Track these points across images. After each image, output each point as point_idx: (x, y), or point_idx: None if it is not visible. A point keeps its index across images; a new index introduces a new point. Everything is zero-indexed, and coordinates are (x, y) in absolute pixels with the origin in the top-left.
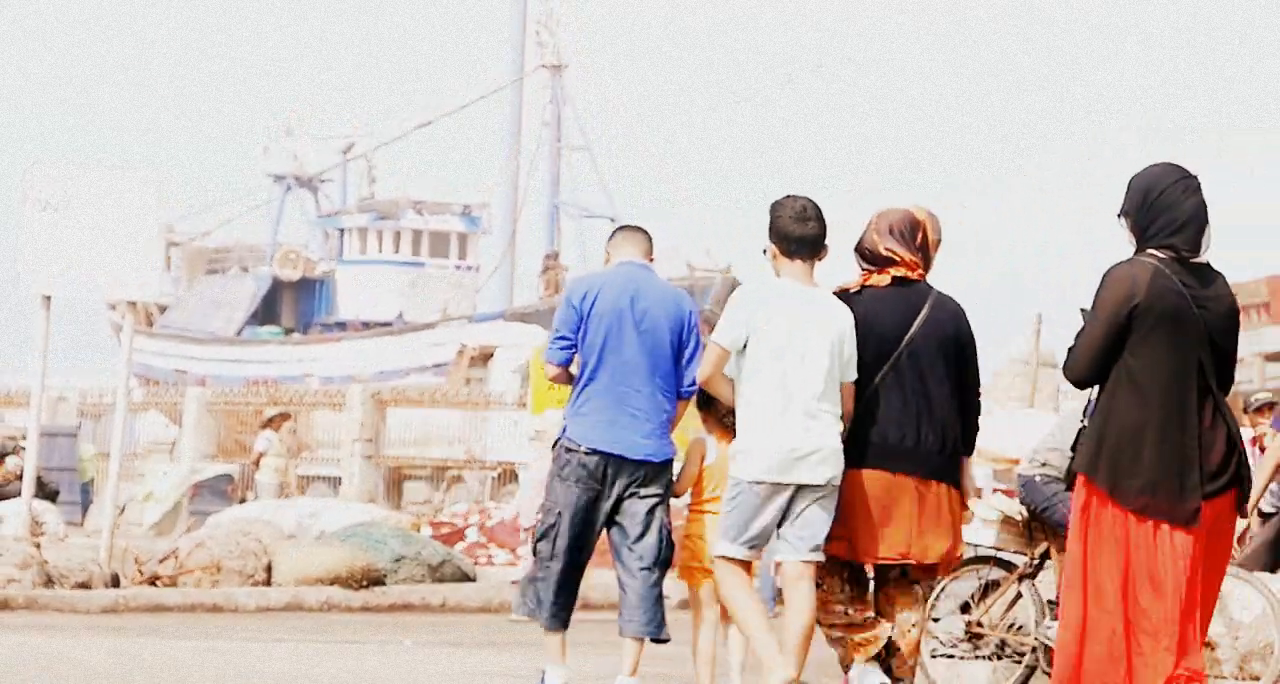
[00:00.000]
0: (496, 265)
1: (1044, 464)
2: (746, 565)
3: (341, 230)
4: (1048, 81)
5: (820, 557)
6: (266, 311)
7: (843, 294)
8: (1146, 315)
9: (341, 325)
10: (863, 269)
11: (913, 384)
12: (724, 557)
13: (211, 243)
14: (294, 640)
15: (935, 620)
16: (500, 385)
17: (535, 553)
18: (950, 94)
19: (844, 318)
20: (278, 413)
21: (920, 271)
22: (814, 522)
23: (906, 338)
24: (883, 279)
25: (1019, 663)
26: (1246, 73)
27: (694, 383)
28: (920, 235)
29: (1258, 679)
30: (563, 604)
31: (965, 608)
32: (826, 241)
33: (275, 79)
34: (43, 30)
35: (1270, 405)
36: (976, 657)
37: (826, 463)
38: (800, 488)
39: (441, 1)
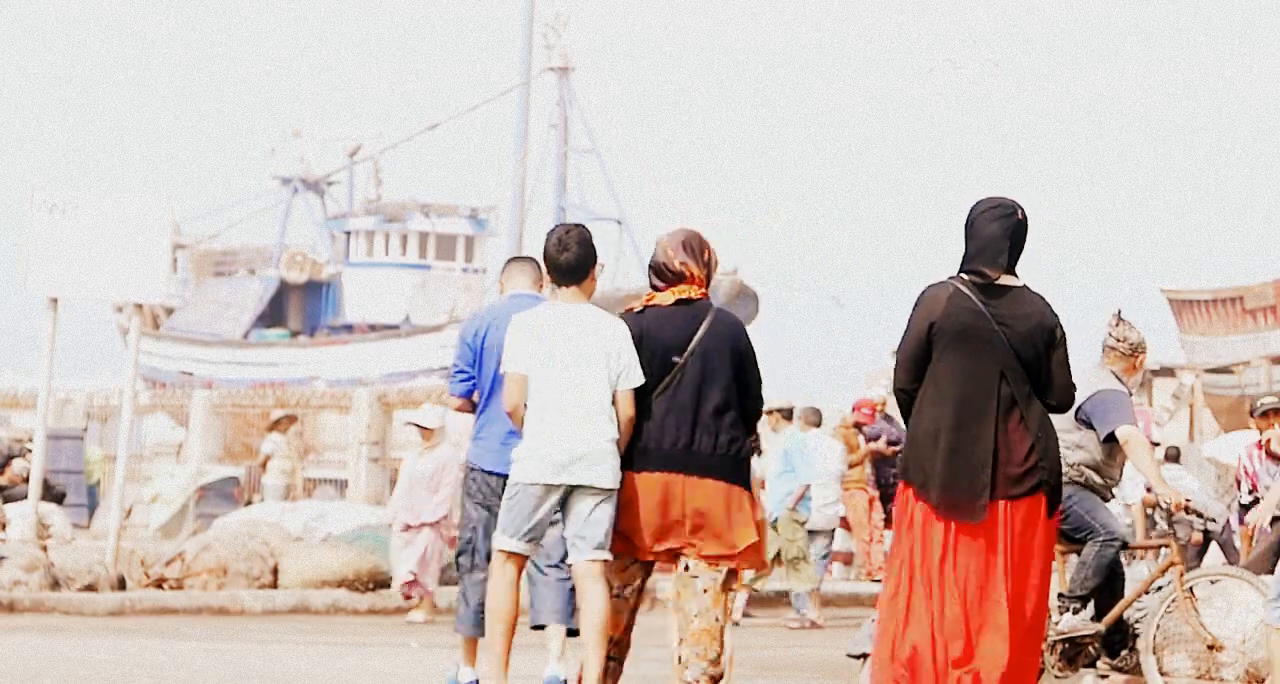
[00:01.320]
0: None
1: None
2: (520, 558)
3: (348, 233)
4: (1047, 81)
5: (605, 555)
6: (273, 314)
7: (627, 314)
8: (943, 332)
9: (348, 328)
10: (652, 286)
11: (692, 394)
12: (502, 550)
13: (218, 245)
14: (300, 643)
15: None
16: (774, 402)
17: (457, 567)
18: (951, 94)
19: (617, 332)
20: (284, 415)
21: (703, 290)
22: (594, 522)
23: (687, 351)
24: (666, 298)
25: None
26: (1246, 73)
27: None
28: (706, 253)
29: (1263, 682)
30: (480, 611)
31: None
32: (593, 264)
33: (282, 81)
34: (47, 31)
35: (1277, 410)
36: None
37: (599, 466)
38: (575, 489)
39: (449, 4)
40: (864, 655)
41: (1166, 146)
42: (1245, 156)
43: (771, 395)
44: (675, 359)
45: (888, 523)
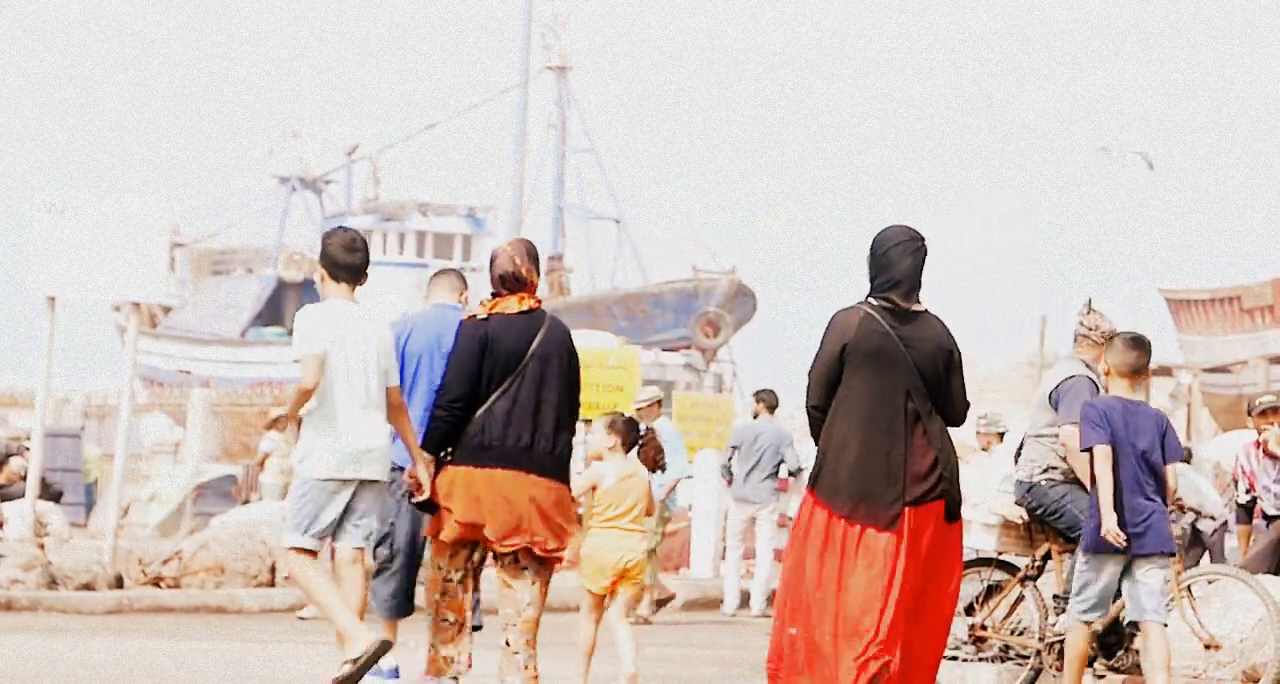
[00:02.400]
0: None
1: (1048, 468)
2: (313, 554)
3: None
4: (1047, 81)
5: (364, 543)
6: (271, 313)
7: (471, 320)
8: (854, 354)
9: None
10: (495, 293)
11: (530, 394)
12: (295, 547)
13: (216, 244)
14: (297, 642)
15: None
16: (650, 395)
17: (375, 556)
18: (951, 94)
19: (383, 332)
20: (282, 414)
21: (537, 299)
22: (371, 513)
23: (527, 356)
24: (511, 306)
25: (1024, 665)
26: (1246, 73)
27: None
28: (539, 261)
29: (1258, 681)
30: (400, 598)
31: (969, 611)
32: (367, 271)
33: (281, 81)
34: (46, 31)
35: (1275, 409)
36: (981, 659)
37: (379, 461)
38: (361, 483)
39: (448, 4)
40: None
41: (1166, 147)
42: (1245, 157)
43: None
44: (516, 364)
45: None
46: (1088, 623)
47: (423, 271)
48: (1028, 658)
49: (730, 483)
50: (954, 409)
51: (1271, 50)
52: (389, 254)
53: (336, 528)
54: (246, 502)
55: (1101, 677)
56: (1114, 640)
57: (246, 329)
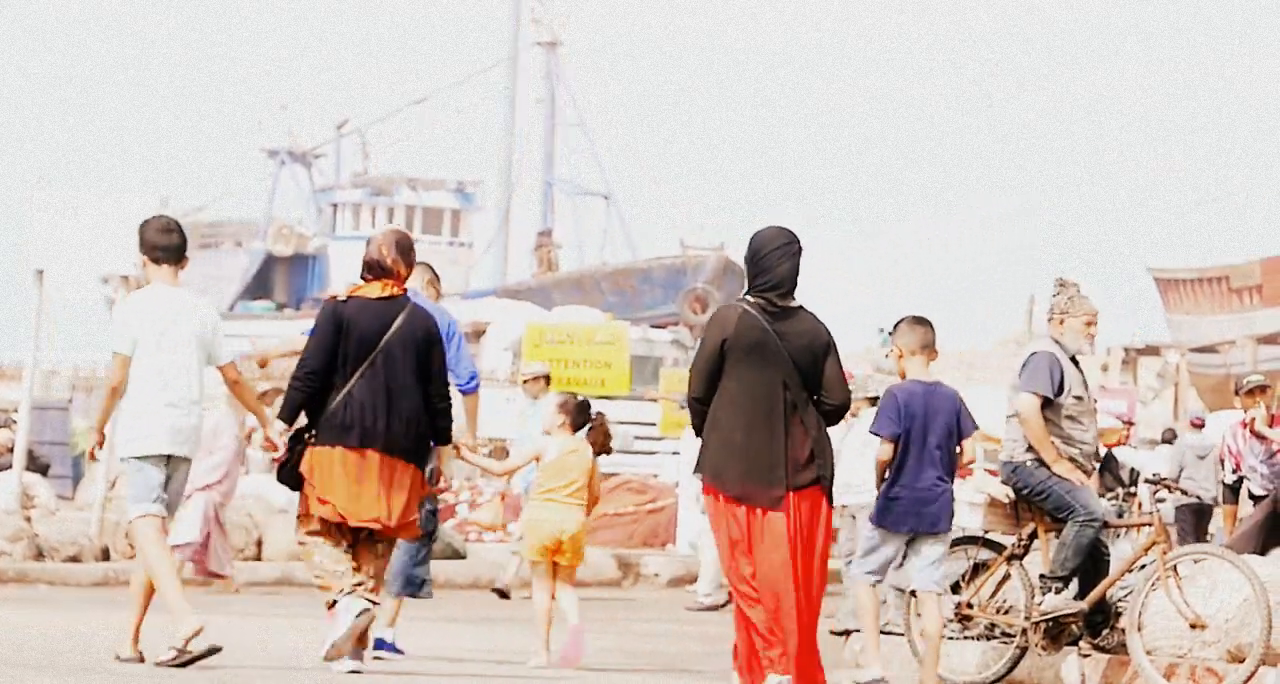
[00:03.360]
0: (490, 242)
1: (1030, 448)
2: (161, 520)
3: (335, 205)
4: (1047, 81)
5: (168, 515)
6: (259, 286)
7: (330, 302)
8: (735, 349)
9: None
10: (362, 277)
11: (386, 378)
12: (142, 515)
13: (205, 218)
14: (284, 616)
15: None
16: (492, 362)
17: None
18: (951, 94)
19: (206, 313)
20: (270, 388)
21: (404, 286)
22: (177, 490)
23: (383, 341)
24: (372, 291)
25: (1009, 643)
26: (1247, 73)
27: (472, 379)
28: (412, 254)
29: (1244, 661)
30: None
31: (955, 589)
32: (186, 252)
33: (270, 55)
34: (36, 4)
35: (1262, 388)
36: (966, 637)
37: (193, 439)
38: (177, 459)
39: None
40: (847, 632)
41: (1166, 146)
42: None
43: None
44: (372, 348)
45: None
46: (873, 584)
47: None
48: (1013, 636)
49: None
50: (833, 394)
51: (1272, 50)
52: (378, 228)
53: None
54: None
55: (1087, 655)
56: (1100, 620)
57: (235, 303)
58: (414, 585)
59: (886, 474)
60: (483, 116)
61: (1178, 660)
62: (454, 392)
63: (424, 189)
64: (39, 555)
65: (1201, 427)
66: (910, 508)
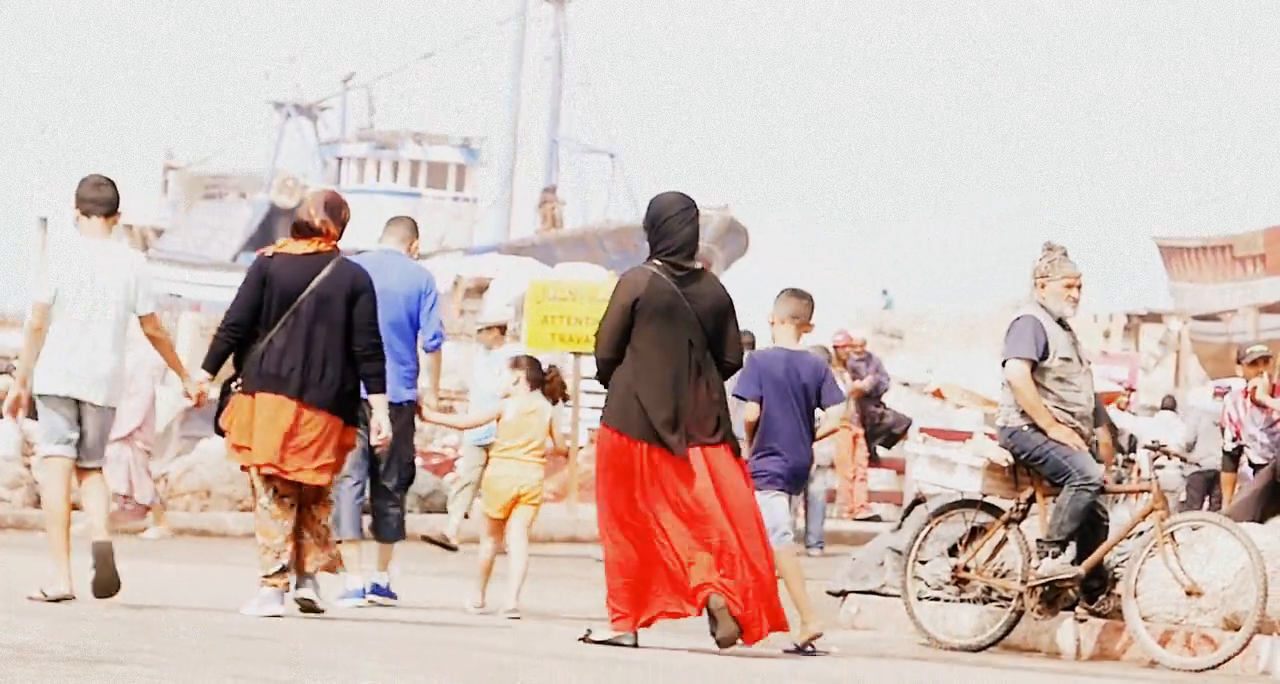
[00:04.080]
0: (495, 198)
1: (1025, 412)
2: (68, 462)
3: (340, 159)
4: (1047, 81)
5: (101, 462)
6: (263, 238)
7: (259, 257)
8: (645, 309)
9: None
10: (291, 235)
11: (307, 330)
12: (49, 455)
13: (210, 169)
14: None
15: (922, 563)
16: (494, 317)
17: (388, 484)
18: (951, 94)
19: (134, 263)
20: None
21: (334, 245)
22: (94, 436)
23: (306, 293)
24: (298, 248)
25: (1005, 607)
26: (1246, 73)
27: (435, 337)
28: (343, 212)
29: (1239, 629)
30: (354, 520)
31: (953, 551)
32: (119, 206)
33: (278, 7)
34: None
35: (1265, 359)
36: (963, 600)
37: (104, 386)
38: (87, 404)
39: None
40: (844, 593)
41: (1166, 147)
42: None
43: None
44: (293, 300)
45: (872, 462)
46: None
47: (416, 200)
48: (1009, 600)
49: None
50: (729, 352)
51: (1272, 50)
52: (383, 182)
53: (78, 447)
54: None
55: (1083, 620)
56: (1097, 585)
57: (238, 254)
58: (384, 529)
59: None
60: (490, 73)
61: (1173, 627)
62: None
63: (429, 144)
64: (38, 503)
65: (1224, 395)
66: (778, 468)
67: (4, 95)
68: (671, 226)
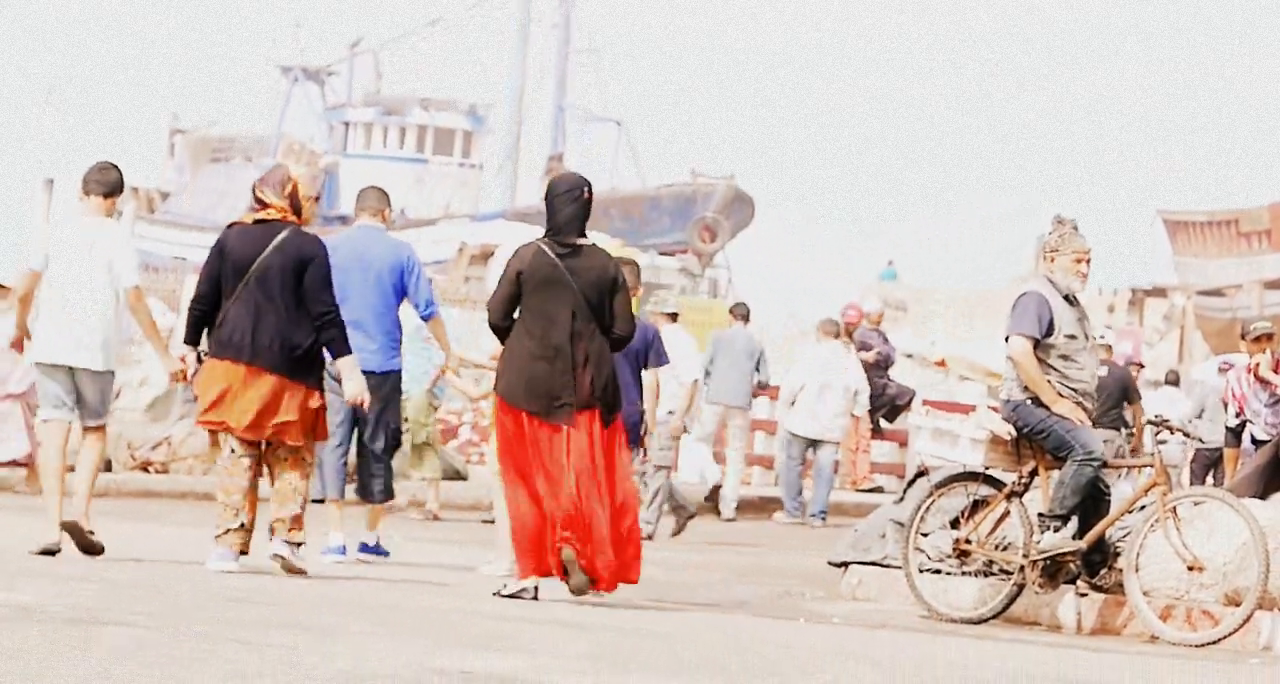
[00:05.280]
0: (500, 165)
1: (1027, 387)
2: (64, 425)
3: (347, 124)
4: (1047, 81)
5: (101, 421)
6: None
7: (229, 225)
8: (530, 281)
9: (343, 219)
10: (250, 208)
11: (259, 298)
12: (47, 419)
13: (216, 132)
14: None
15: (924, 536)
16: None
17: (374, 446)
18: (951, 94)
19: (117, 240)
20: None
21: (286, 215)
22: (93, 398)
23: (256, 263)
24: (248, 218)
25: (1006, 580)
26: (1246, 73)
27: (429, 306)
28: (289, 187)
29: (1240, 605)
30: (336, 481)
31: (954, 524)
32: (120, 190)
33: None
34: None
35: (1269, 336)
36: (964, 573)
37: (94, 352)
38: (80, 371)
39: None
40: (845, 564)
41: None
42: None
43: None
44: (245, 269)
45: (875, 433)
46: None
47: (423, 166)
48: (1011, 574)
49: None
50: (617, 324)
51: (1272, 50)
52: (389, 148)
53: (80, 408)
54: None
55: (1084, 594)
56: (1098, 559)
57: None
58: (371, 490)
59: None
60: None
61: (1174, 602)
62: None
63: (436, 110)
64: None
65: (1228, 371)
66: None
67: (11, 58)
68: (558, 204)
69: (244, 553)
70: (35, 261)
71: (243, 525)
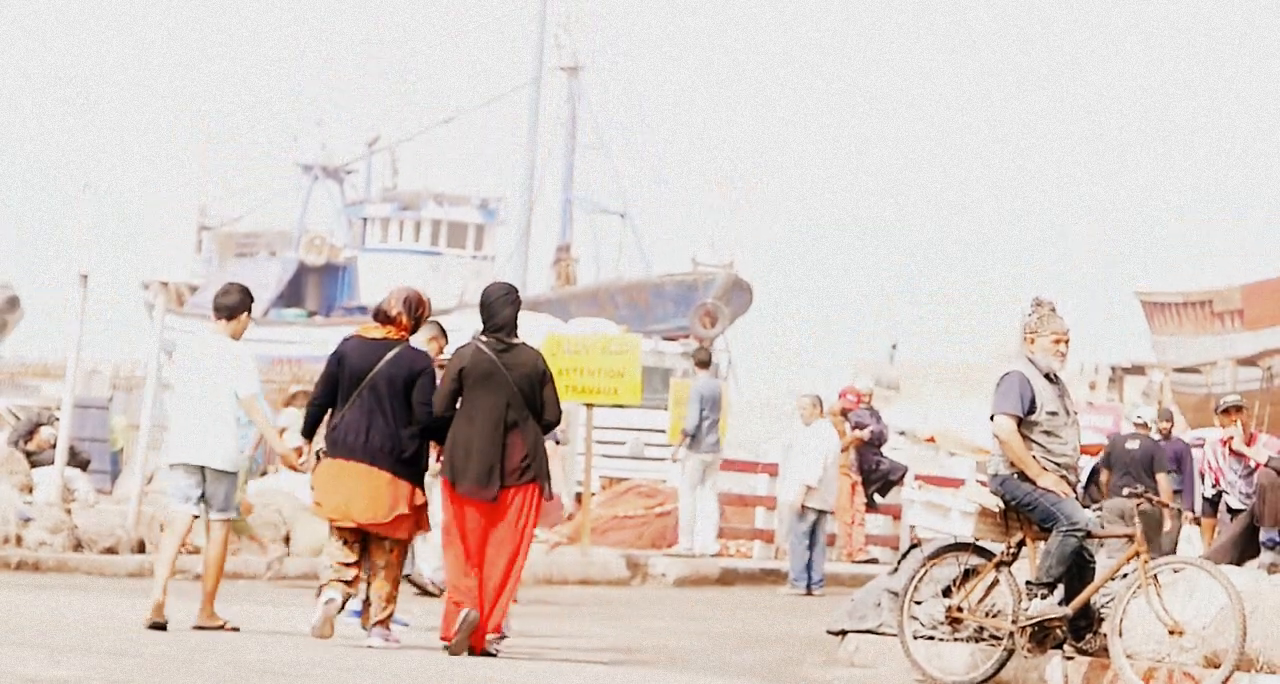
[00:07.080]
0: (510, 256)
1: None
2: (191, 517)
3: (365, 219)
4: (1047, 81)
5: (228, 515)
6: (292, 294)
7: (346, 338)
8: (469, 376)
9: (362, 309)
10: (374, 319)
11: (371, 404)
12: (175, 511)
13: (241, 228)
14: (306, 606)
15: (918, 604)
16: None
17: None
18: (951, 94)
19: (240, 357)
20: (299, 390)
21: (404, 333)
22: (216, 493)
23: (371, 374)
24: (372, 333)
25: (996, 646)
26: (1246, 73)
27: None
28: (421, 309)
29: (1219, 666)
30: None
31: (946, 593)
32: (243, 310)
33: (307, 75)
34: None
35: (1238, 408)
36: (956, 639)
37: (219, 452)
38: (208, 469)
39: (465, 4)
40: (843, 632)
41: (1166, 148)
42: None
43: (763, 384)
44: (361, 379)
45: (869, 507)
46: None
47: (437, 259)
48: (1001, 639)
49: (693, 443)
50: (549, 410)
51: (1272, 50)
52: (405, 241)
53: (206, 503)
54: (264, 473)
55: (1070, 658)
56: (1084, 624)
57: (268, 309)
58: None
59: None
60: (506, 137)
61: (1156, 664)
62: None
63: (449, 204)
64: (78, 546)
65: (1201, 446)
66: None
67: (49, 155)
68: (495, 308)
69: (350, 596)
70: (250, 388)
71: (356, 578)
